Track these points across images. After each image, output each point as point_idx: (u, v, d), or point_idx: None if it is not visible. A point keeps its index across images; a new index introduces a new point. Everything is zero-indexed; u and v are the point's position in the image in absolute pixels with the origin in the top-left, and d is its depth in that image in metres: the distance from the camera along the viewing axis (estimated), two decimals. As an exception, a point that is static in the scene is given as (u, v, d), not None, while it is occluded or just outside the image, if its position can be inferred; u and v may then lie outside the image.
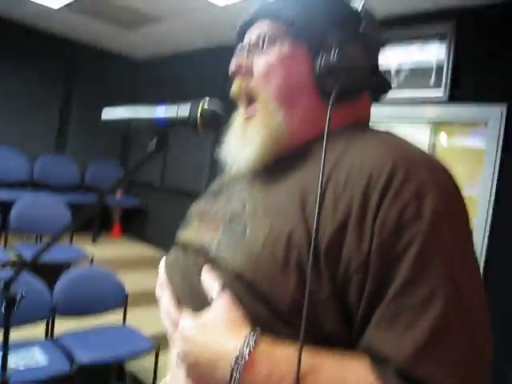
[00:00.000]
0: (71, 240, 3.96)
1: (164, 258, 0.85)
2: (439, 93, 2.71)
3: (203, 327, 0.63)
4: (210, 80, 4.03)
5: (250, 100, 0.75)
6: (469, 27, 2.65)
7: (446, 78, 2.69)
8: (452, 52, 2.68)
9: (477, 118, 2.58)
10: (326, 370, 0.57)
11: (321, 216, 0.60)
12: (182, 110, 0.69)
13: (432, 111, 2.77)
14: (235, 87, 0.77)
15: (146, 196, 4.87)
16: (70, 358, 2.35)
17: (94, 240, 4.45)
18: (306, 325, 0.57)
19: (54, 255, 3.27)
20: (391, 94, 2.70)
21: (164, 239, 4.79)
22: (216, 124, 0.69)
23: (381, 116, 3.04)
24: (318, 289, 0.59)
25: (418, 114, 2.83)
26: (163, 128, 0.71)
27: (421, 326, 0.54)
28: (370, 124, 0.79)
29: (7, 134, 4.45)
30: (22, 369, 2.13)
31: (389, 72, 2.97)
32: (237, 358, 0.58)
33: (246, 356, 0.57)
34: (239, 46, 0.79)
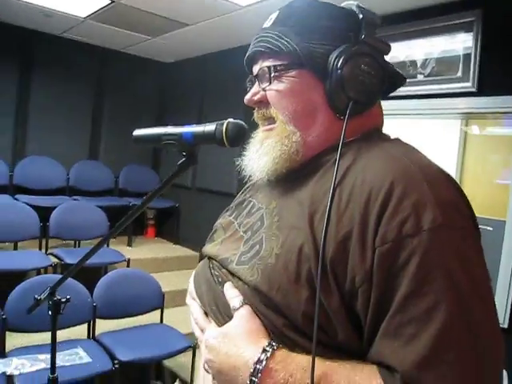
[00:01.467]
0: (108, 244, 4.09)
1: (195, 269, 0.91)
2: (468, 84, 2.67)
3: (225, 337, 0.69)
4: (235, 78, 4.07)
5: (270, 119, 0.80)
6: (496, 14, 2.59)
7: (473, 68, 2.64)
8: (479, 41, 2.64)
9: (507, 107, 2.53)
10: (338, 377, 0.61)
11: (327, 232, 0.64)
12: (208, 126, 0.74)
13: (461, 103, 2.73)
14: (256, 116, 0.83)
15: (179, 197, 4.96)
16: (111, 356, 2.46)
17: (130, 243, 4.58)
18: (319, 335, 0.62)
19: (92, 259, 3.39)
20: (418, 88, 2.66)
21: (197, 239, 4.88)
22: (241, 137, 0.73)
23: (409, 109, 3.02)
24: (328, 299, 0.63)
25: (447, 106, 2.80)
26: (191, 144, 0.76)
27: (424, 338, 0.56)
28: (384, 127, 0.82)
29: (43, 145, 4.62)
30: (67, 365, 2.24)
31: (415, 65, 2.95)
32: (255, 366, 0.63)
33: (264, 363, 0.63)
34: (249, 78, 0.84)
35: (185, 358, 2.94)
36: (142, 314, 2.92)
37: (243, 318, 0.69)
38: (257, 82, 0.80)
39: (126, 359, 2.44)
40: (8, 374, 2.17)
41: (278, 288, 0.66)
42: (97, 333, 2.75)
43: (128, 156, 5.10)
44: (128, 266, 3.66)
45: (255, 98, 0.81)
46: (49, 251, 3.73)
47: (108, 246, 4.04)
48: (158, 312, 3.00)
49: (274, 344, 0.65)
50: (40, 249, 3.78)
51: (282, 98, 0.76)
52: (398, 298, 0.58)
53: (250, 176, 0.82)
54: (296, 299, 0.65)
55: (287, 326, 0.66)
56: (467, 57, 2.68)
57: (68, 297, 1.31)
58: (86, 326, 2.75)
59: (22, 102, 4.56)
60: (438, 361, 0.56)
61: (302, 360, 0.63)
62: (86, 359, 2.38)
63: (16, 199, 4.09)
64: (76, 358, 2.38)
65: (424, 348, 0.56)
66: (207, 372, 0.74)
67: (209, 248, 0.87)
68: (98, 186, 4.80)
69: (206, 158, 4.58)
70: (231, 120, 0.73)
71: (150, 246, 4.72)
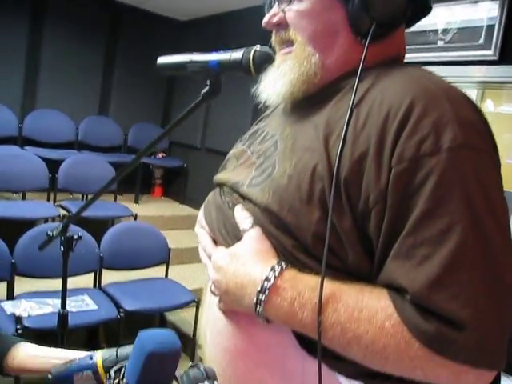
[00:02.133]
0: (115, 199, 4.12)
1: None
2: (489, 52, 2.60)
3: (234, 257, 0.69)
4: (253, 39, 3.99)
5: (288, 42, 0.77)
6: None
7: (497, 37, 2.57)
8: (506, 9, 2.56)
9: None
10: (346, 297, 0.60)
11: (342, 152, 0.62)
12: (235, 54, 0.72)
13: (480, 71, 2.67)
14: (273, 40, 0.79)
15: (187, 157, 4.95)
16: (116, 305, 2.50)
17: (137, 200, 4.60)
18: (329, 257, 0.61)
19: (100, 211, 3.45)
20: (437, 54, 2.59)
21: (203, 200, 4.83)
22: (267, 64, 0.71)
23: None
24: (340, 220, 0.62)
25: (465, 74, 2.74)
26: (216, 72, 0.74)
27: (436, 259, 0.56)
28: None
29: (53, 98, 4.59)
30: (74, 310, 2.28)
31: (436, 32, 2.87)
32: (263, 283, 0.63)
33: (272, 281, 0.62)
34: (268, 0, 0.80)
35: (187, 313, 3.00)
36: (147, 267, 2.96)
37: (252, 239, 0.68)
38: (276, 4, 0.77)
39: (130, 309, 2.48)
40: (17, 315, 2.21)
41: (289, 208, 0.65)
42: (103, 283, 2.80)
43: (138, 114, 5.07)
44: (135, 220, 3.69)
45: (274, 20, 0.77)
46: (57, 203, 3.76)
47: (115, 200, 4.07)
48: (163, 267, 3.04)
49: (282, 263, 0.64)
50: (48, 200, 3.81)
51: (301, 19, 0.73)
52: (412, 219, 0.58)
53: (266, 102, 0.79)
54: (307, 220, 0.64)
55: (297, 247, 0.65)
56: (491, 26, 2.61)
57: (80, 234, 1.33)
58: (92, 276, 2.80)
59: (32, 55, 4.50)
60: (450, 281, 0.55)
61: (310, 279, 0.63)
62: (93, 306, 2.43)
63: (25, 150, 4.10)
64: (83, 304, 2.43)
65: (436, 269, 0.56)
66: (214, 294, 0.74)
67: (220, 175, 0.86)
68: (106, 142, 4.79)
69: (217, 118, 4.55)
70: (258, 47, 0.72)
71: (156, 205, 4.74)
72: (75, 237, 1.30)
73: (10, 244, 2.53)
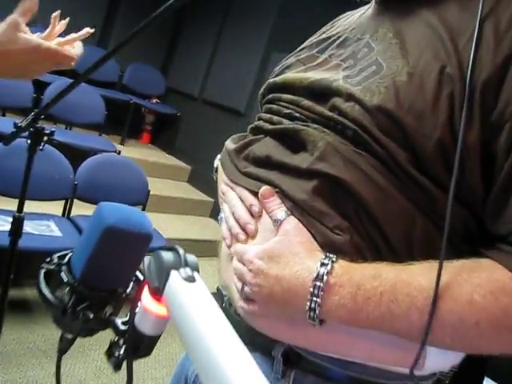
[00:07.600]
0: (100, 134, 3.93)
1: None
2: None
3: (272, 257, 0.57)
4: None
5: None
6: None
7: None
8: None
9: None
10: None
11: (477, 54, 0.53)
12: None
13: None
14: None
15: (182, 106, 4.73)
16: (83, 236, 2.34)
17: (122, 142, 4.39)
18: (445, 176, 0.53)
19: (82, 141, 3.25)
20: None
21: (192, 153, 4.69)
22: None
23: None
24: (468, 130, 0.52)
25: None
26: None
27: None
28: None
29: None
30: (36, 233, 2.12)
31: None
32: (314, 283, 0.53)
33: (325, 279, 0.52)
34: None
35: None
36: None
37: (290, 231, 0.58)
38: None
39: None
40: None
41: (410, 107, 0.54)
42: (72, 214, 2.62)
43: (138, 52, 4.79)
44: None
45: None
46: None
47: (101, 135, 3.87)
48: (140, 209, 2.87)
49: (331, 255, 0.54)
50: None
51: None
52: None
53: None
54: (431, 123, 0.53)
55: (411, 162, 0.54)
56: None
57: (53, 129, 1.14)
58: (62, 205, 2.62)
59: None
60: None
61: (365, 268, 0.53)
62: (57, 233, 2.26)
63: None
64: (46, 229, 2.26)
65: None
66: (246, 300, 0.60)
67: (285, 76, 0.71)
68: (101, 76, 4.51)
69: (220, 69, 4.32)
70: None
71: (142, 150, 4.53)
72: (46, 131, 1.11)
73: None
